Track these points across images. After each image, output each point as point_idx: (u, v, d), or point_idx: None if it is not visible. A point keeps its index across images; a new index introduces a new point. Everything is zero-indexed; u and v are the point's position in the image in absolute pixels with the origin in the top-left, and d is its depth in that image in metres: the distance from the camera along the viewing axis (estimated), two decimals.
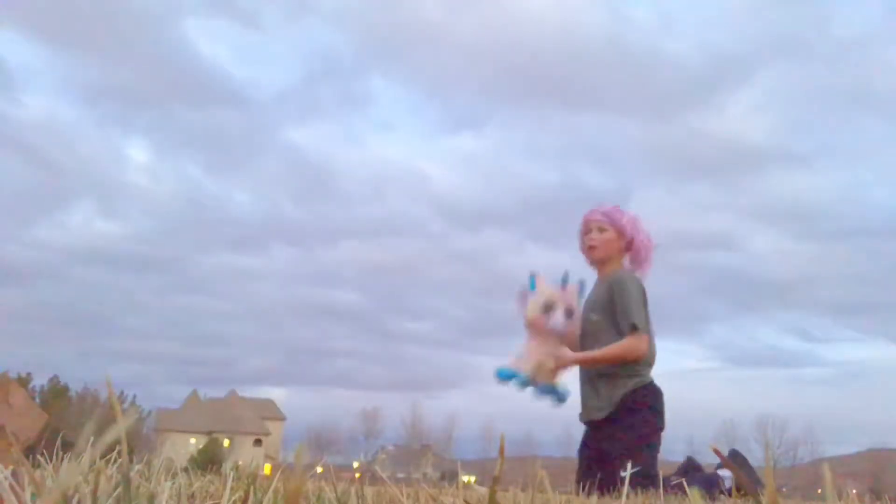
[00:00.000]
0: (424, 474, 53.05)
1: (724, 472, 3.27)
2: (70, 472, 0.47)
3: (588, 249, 3.41)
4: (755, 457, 52.94)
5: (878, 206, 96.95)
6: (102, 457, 1.02)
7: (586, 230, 3.44)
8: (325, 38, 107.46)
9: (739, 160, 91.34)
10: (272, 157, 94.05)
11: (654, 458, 3.12)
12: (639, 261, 3.39)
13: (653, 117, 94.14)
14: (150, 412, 52.54)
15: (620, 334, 3.18)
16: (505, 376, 3.17)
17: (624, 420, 3.14)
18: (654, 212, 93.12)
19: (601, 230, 3.38)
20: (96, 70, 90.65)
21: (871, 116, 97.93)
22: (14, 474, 0.81)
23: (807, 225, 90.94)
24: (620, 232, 3.36)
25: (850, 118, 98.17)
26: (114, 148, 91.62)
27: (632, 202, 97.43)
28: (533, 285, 3.24)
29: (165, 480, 1.12)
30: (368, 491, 1.22)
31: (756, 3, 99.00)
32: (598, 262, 3.42)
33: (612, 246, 3.37)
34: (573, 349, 3.25)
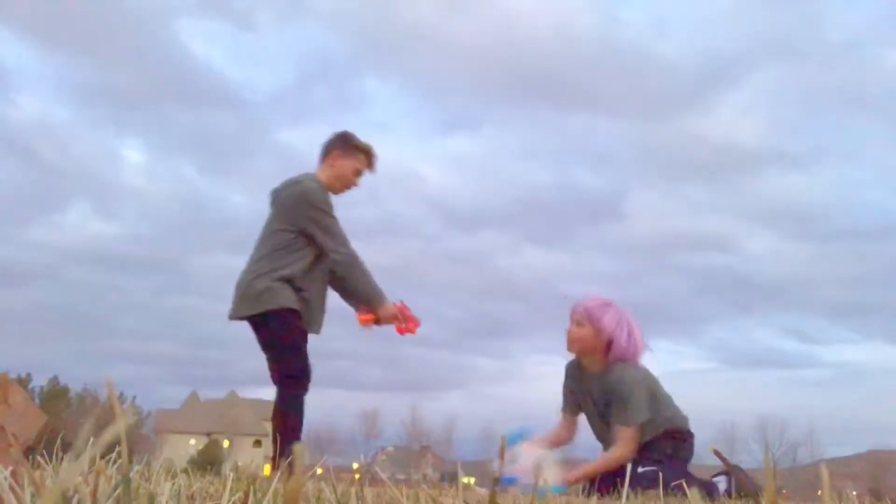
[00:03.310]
0: (424, 475, 53.03)
1: (720, 479, 3.34)
2: (70, 472, 0.47)
3: (568, 343, 3.46)
4: (755, 458, 53.02)
5: (873, 207, 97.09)
6: (102, 457, 1.02)
7: (569, 319, 3.46)
8: (320, 39, 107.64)
9: (733, 161, 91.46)
10: (267, 158, 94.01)
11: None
12: (622, 359, 3.36)
13: (646, 119, 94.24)
14: (149, 413, 52.56)
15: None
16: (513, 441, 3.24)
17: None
18: (649, 213, 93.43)
19: (579, 325, 3.39)
20: (90, 71, 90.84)
21: (865, 118, 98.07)
22: (14, 475, 0.81)
23: (802, 226, 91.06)
24: (599, 330, 3.35)
25: (844, 119, 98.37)
26: (108, 149, 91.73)
27: (627, 203, 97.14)
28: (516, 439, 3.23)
29: (165, 481, 1.12)
30: (368, 492, 1.22)
31: (748, 6, 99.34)
32: (577, 355, 3.50)
33: (588, 343, 3.38)
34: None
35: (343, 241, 3.40)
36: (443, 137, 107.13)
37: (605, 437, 3.44)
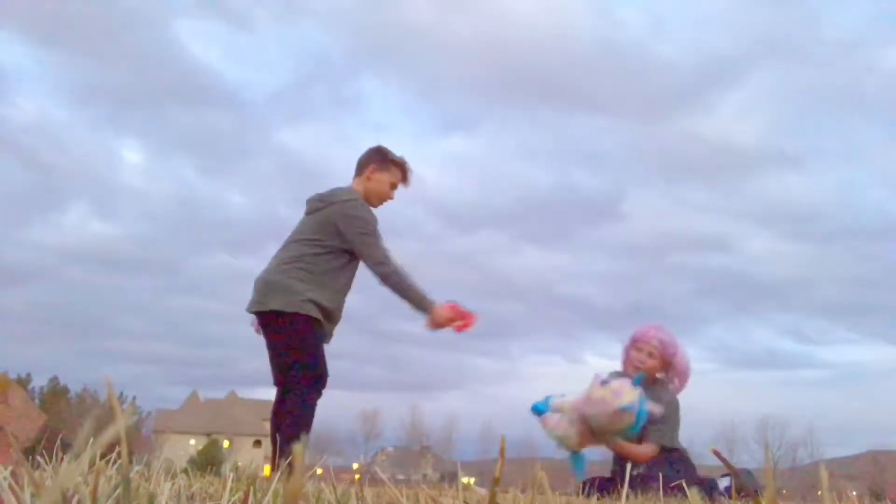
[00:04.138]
0: (424, 475, 53.05)
1: (723, 482, 3.41)
2: (69, 472, 0.47)
3: (633, 369, 3.71)
4: (755, 458, 53.05)
5: (872, 208, 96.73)
6: (102, 457, 1.02)
7: (636, 348, 3.74)
8: (317, 39, 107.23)
9: (732, 162, 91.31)
10: (265, 158, 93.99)
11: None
12: (677, 385, 3.75)
13: (645, 119, 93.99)
14: (149, 413, 52.61)
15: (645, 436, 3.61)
16: (539, 410, 3.48)
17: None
18: (648, 213, 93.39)
19: (650, 356, 3.70)
20: (89, 71, 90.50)
21: (863, 118, 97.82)
22: (13, 474, 0.81)
23: (801, 226, 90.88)
24: (667, 365, 3.72)
25: (842, 120, 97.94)
26: (107, 149, 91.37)
27: (626, 203, 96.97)
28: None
29: (165, 481, 1.12)
30: (368, 492, 1.22)
31: (746, 6, 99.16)
32: (631, 374, 3.70)
33: (652, 373, 3.71)
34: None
35: (386, 257, 3.47)
36: (441, 138, 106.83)
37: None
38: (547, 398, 3.53)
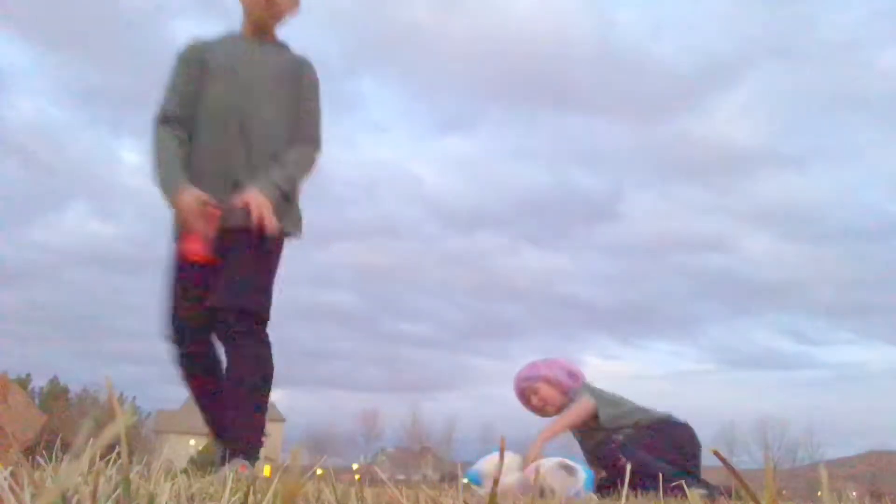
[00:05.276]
0: (424, 476, 53.04)
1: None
2: (69, 472, 0.47)
3: (540, 412, 3.72)
4: (755, 459, 53.05)
5: (870, 208, 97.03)
6: (102, 458, 1.02)
7: (526, 400, 3.76)
8: (316, 39, 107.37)
9: (730, 162, 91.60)
10: None
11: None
12: (570, 390, 3.67)
13: (643, 120, 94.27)
14: (149, 413, 52.61)
15: None
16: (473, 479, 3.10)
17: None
18: (646, 214, 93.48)
19: (535, 392, 3.69)
20: (87, 71, 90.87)
21: (861, 118, 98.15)
22: (13, 475, 0.81)
23: (799, 227, 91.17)
24: (548, 381, 3.68)
25: (840, 120, 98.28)
26: (106, 149, 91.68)
27: (624, 204, 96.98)
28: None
29: (165, 482, 1.12)
30: (368, 493, 1.22)
31: (744, 7, 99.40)
32: (554, 414, 3.70)
33: (554, 397, 3.67)
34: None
35: (160, 105, 2.60)
36: (440, 138, 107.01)
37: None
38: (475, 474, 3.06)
